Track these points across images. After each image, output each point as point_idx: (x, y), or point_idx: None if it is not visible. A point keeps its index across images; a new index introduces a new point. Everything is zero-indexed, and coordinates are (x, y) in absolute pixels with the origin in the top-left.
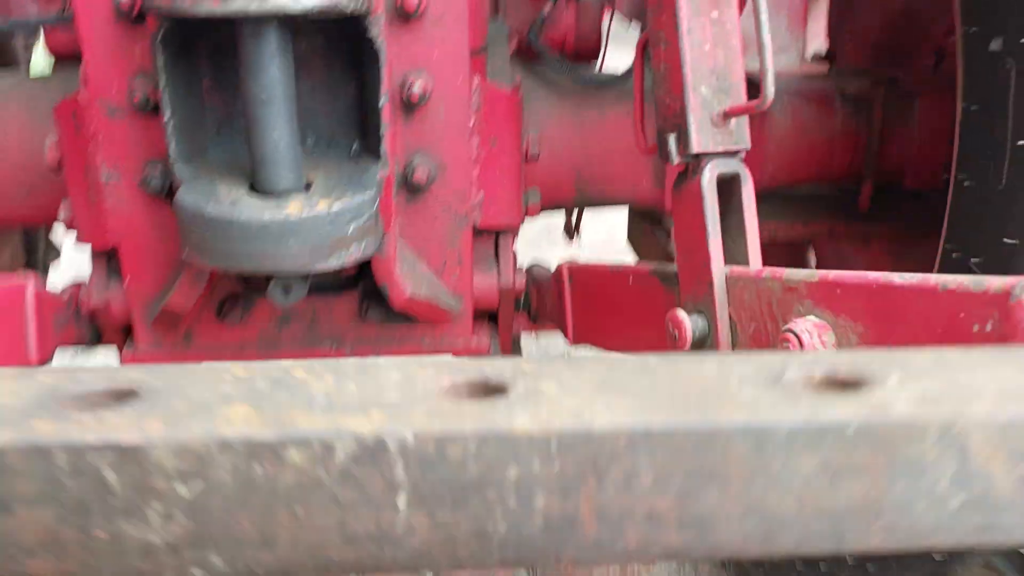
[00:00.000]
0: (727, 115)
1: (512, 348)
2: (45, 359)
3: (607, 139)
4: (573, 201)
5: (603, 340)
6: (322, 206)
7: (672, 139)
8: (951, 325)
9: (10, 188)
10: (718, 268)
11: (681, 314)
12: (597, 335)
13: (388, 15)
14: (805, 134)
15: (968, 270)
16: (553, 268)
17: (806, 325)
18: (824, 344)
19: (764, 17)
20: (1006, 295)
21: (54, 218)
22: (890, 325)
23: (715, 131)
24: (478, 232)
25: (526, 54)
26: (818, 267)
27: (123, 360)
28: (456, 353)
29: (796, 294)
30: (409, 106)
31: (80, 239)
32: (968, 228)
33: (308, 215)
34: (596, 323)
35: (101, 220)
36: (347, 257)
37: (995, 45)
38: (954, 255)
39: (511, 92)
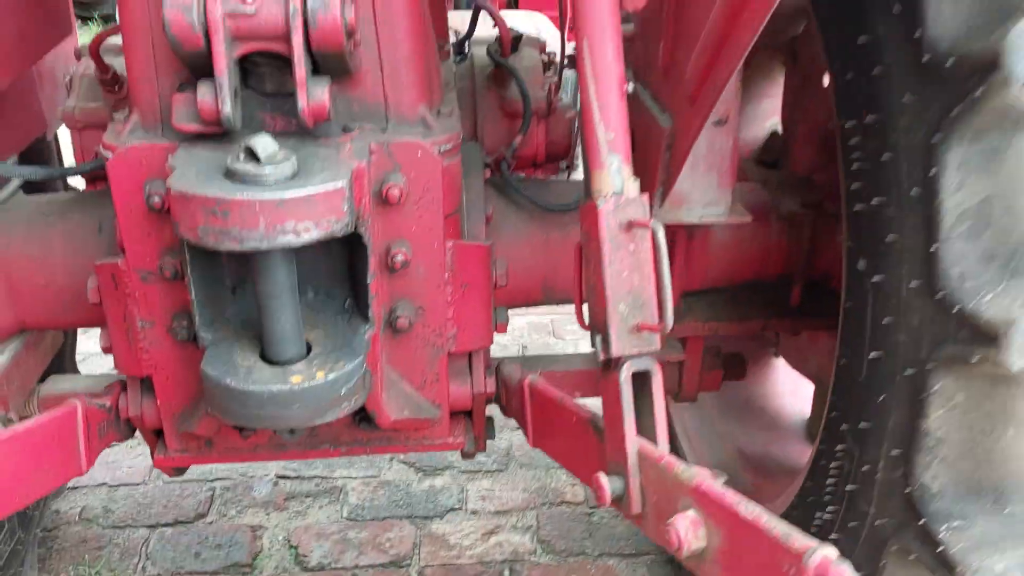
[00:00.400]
0: (640, 328)
1: (485, 430)
2: (92, 464)
3: (571, 254)
4: (540, 301)
5: (553, 453)
6: (320, 376)
7: (599, 339)
8: (773, 561)
9: (55, 304)
10: (632, 446)
11: (603, 478)
12: (549, 447)
13: (373, 202)
14: (743, 245)
15: (842, 434)
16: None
17: (685, 521)
18: (696, 539)
19: (665, 265)
20: (799, 556)
21: (93, 325)
22: (737, 542)
23: (631, 338)
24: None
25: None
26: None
27: (156, 461)
28: (435, 449)
29: (682, 488)
30: (392, 269)
31: (118, 367)
32: (843, 401)
33: (308, 385)
34: (548, 438)
35: (136, 355)
36: (340, 412)
37: (861, 264)
38: (833, 414)
39: (480, 246)
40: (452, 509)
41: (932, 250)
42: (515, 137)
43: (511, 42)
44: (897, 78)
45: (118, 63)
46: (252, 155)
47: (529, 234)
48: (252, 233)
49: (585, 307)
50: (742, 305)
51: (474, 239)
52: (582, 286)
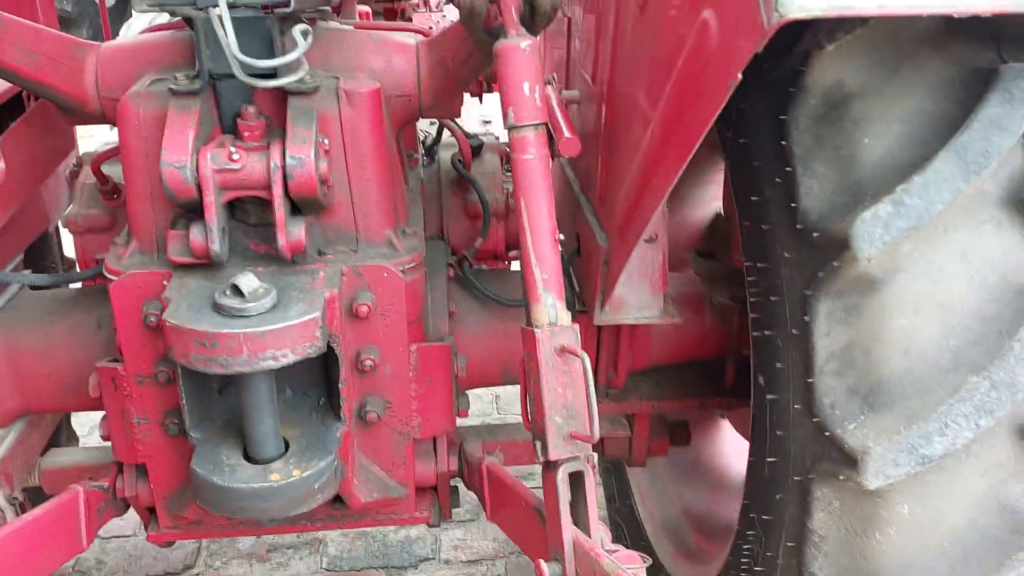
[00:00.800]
0: (573, 437)
1: (450, 498)
2: (91, 541)
3: None
4: (500, 383)
5: (506, 529)
6: (296, 474)
7: (539, 444)
8: None
9: (58, 392)
10: (567, 537)
11: (543, 566)
12: (503, 524)
13: (345, 316)
14: (681, 331)
15: (752, 522)
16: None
17: None
18: None
19: (591, 388)
20: None
21: (91, 410)
22: None
23: (565, 445)
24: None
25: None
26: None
27: (148, 536)
28: (403, 523)
29: None
30: (362, 371)
31: (116, 454)
32: (752, 494)
33: (286, 482)
34: (503, 516)
35: (132, 445)
36: (315, 503)
37: (761, 380)
38: (746, 502)
39: (442, 346)
40: (426, 559)
41: (809, 381)
42: (477, 237)
43: (472, 150)
44: (780, 236)
45: (116, 171)
46: (237, 291)
47: (489, 325)
48: (236, 360)
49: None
50: (683, 383)
51: (438, 333)
52: (526, 396)
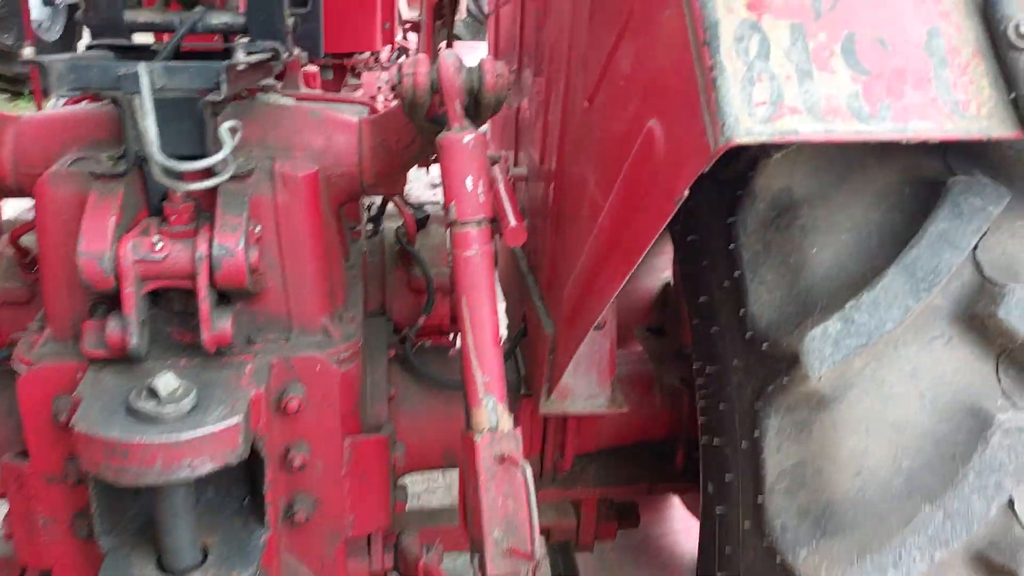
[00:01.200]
0: (512, 553)
1: None
2: None
3: None
4: (442, 465)
5: None
6: None
7: (476, 560)
8: None
9: None
10: None
11: None
12: None
13: (273, 412)
14: (630, 413)
15: None
16: None
17: None
18: None
19: (533, 502)
20: None
21: None
22: None
23: (504, 561)
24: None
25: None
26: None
27: None
28: None
29: None
30: (291, 469)
31: (19, 557)
32: None
33: None
34: None
35: (38, 549)
36: None
37: (710, 488)
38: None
39: (379, 439)
40: None
41: (759, 500)
42: (420, 315)
43: (417, 223)
44: (729, 342)
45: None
46: (154, 393)
47: (430, 408)
48: (149, 471)
49: None
50: (632, 466)
51: (376, 419)
52: (465, 503)
